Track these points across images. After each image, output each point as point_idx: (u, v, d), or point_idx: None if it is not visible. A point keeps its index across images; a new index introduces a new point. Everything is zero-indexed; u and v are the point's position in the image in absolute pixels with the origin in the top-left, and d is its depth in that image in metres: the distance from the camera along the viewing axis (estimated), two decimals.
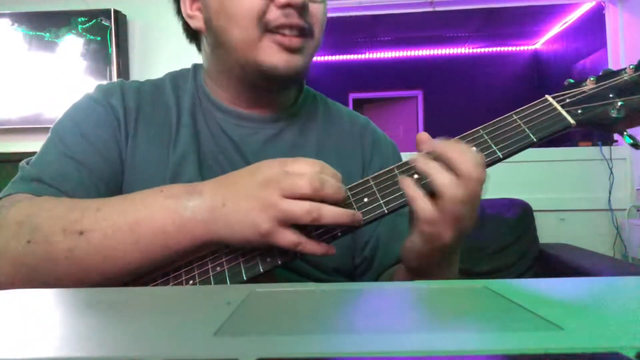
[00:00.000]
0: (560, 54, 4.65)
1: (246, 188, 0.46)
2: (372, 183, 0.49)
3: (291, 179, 0.44)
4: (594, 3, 2.67)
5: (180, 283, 0.48)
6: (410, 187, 0.45)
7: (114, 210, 0.48)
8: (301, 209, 0.43)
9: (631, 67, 0.48)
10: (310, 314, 0.29)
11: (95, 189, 0.56)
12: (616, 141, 1.99)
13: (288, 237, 0.44)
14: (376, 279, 0.67)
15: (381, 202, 0.48)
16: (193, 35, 0.69)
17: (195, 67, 0.71)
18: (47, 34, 2.10)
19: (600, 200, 1.96)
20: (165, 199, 0.47)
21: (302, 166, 0.46)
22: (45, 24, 2.10)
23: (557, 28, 4.61)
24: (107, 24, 2.07)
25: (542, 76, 5.11)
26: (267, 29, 0.57)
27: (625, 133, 0.49)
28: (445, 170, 0.44)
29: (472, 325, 0.26)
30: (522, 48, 5.31)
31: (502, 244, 1.74)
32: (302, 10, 0.57)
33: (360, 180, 0.50)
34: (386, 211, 0.48)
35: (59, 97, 2.10)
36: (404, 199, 0.47)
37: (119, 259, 0.46)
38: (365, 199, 0.48)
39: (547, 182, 1.99)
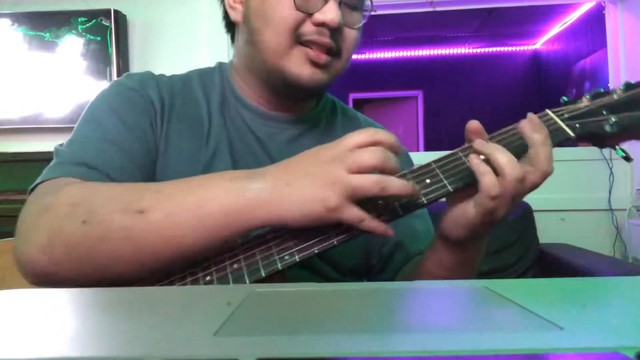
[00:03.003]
0: (560, 54, 4.65)
1: (310, 168, 0.46)
2: (434, 165, 0.51)
3: (356, 154, 0.45)
4: (594, 3, 2.67)
5: (197, 281, 0.48)
6: (478, 162, 0.48)
7: (174, 192, 0.47)
8: (370, 181, 0.44)
9: (621, 87, 0.53)
10: (310, 314, 0.29)
11: (138, 175, 0.57)
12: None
13: (354, 213, 0.45)
14: (393, 276, 0.68)
15: (445, 182, 0.50)
16: (230, 26, 0.70)
17: (221, 65, 0.72)
18: (47, 34, 2.10)
19: (600, 200, 1.96)
20: (228, 181, 0.47)
21: (355, 138, 0.47)
22: (45, 24, 2.10)
23: (557, 28, 4.61)
24: (107, 24, 2.07)
25: (542, 76, 5.10)
26: (299, 40, 0.59)
27: (617, 147, 0.55)
28: (505, 151, 0.48)
29: (472, 325, 0.26)
30: (522, 48, 5.30)
31: (502, 244, 1.74)
32: (336, 31, 0.59)
33: (423, 164, 0.51)
34: (451, 190, 0.49)
35: (59, 97, 2.10)
36: (467, 180, 0.50)
37: (177, 239, 0.46)
38: (428, 180, 0.50)
39: (547, 182, 1.97)
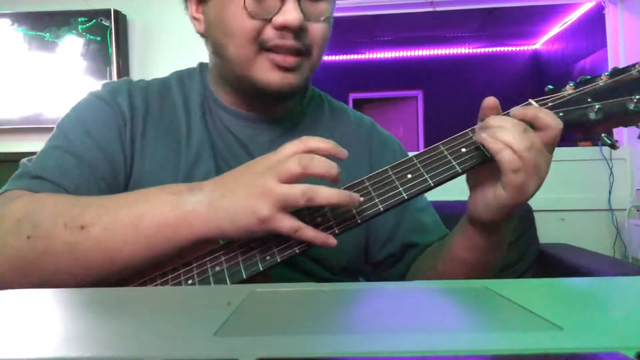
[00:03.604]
0: (560, 54, 4.65)
1: (244, 179, 0.47)
2: (367, 183, 0.50)
3: (282, 163, 0.45)
4: (594, 3, 2.67)
5: (179, 283, 0.48)
6: (490, 140, 0.47)
7: (115, 205, 0.48)
8: (297, 190, 0.44)
9: (606, 74, 0.52)
10: (310, 314, 0.29)
11: (96, 187, 0.56)
12: (617, 141, 1.98)
13: (287, 222, 0.45)
14: (405, 270, 0.68)
15: (377, 200, 0.49)
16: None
17: (202, 66, 0.71)
18: (47, 34, 2.10)
19: (600, 200, 1.96)
20: (167, 194, 0.48)
21: (289, 148, 0.47)
22: (45, 24, 2.10)
23: (557, 28, 4.60)
24: (107, 24, 2.07)
25: (542, 76, 5.10)
26: (263, 47, 0.57)
27: (602, 135, 0.52)
28: (517, 124, 0.47)
29: (472, 325, 0.26)
30: (522, 48, 5.30)
31: None
32: (299, 31, 0.57)
33: (356, 181, 0.51)
34: (382, 209, 0.49)
35: (59, 97, 2.09)
36: (399, 197, 0.49)
37: (119, 253, 0.46)
38: (361, 198, 0.49)
39: (547, 182, 1.95)
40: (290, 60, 0.57)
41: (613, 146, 0.52)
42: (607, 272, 1.35)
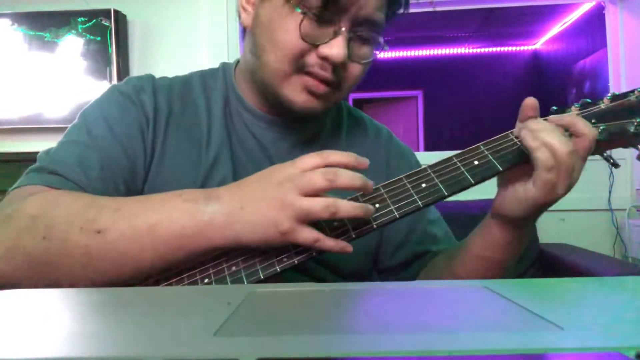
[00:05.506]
0: (560, 54, 4.65)
1: (263, 190, 0.47)
2: (383, 191, 0.51)
3: (306, 176, 0.46)
4: (594, 3, 2.67)
5: (195, 282, 0.48)
6: (529, 137, 0.49)
7: (132, 211, 0.48)
8: (319, 205, 0.45)
9: (607, 98, 0.55)
10: (310, 314, 0.29)
11: (114, 185, 0.56)
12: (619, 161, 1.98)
13: (307, 234, 0.46)
14: (414, 276, 0.69)
15: (392, 207, 0.50)
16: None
17: (224, 66, 0.70)
18: (47, 34, 2.10)
19: (600, 200, 1.96)
20: (184, 202, 0.47)
21: (309, 161, 0.47)
22: (45, 24, 2.10)
23: (557, 28, 4.60)
24: (107, 24, 2.07)
25: (542, 76, 5.10)
26: (300, 68, 0.57)
27: (605, 154, 0.56)
28: (556, 128, 0.49)
29: (472, 325, 0.26)
30: (522, 48, 5.30)
31: None
32: (339, 66, 0.57)
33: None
34: (397, 216, 0.50)
35: (59, 97, 2.09)
36: (414, 205, 0.50)
37: (134, 258, 0.46)
38: (377, 205, 0.50)
39: None
40: (322, 88, 0.58)
41: (615, 165, 0.56)
42: (607, 272, 1.35)
